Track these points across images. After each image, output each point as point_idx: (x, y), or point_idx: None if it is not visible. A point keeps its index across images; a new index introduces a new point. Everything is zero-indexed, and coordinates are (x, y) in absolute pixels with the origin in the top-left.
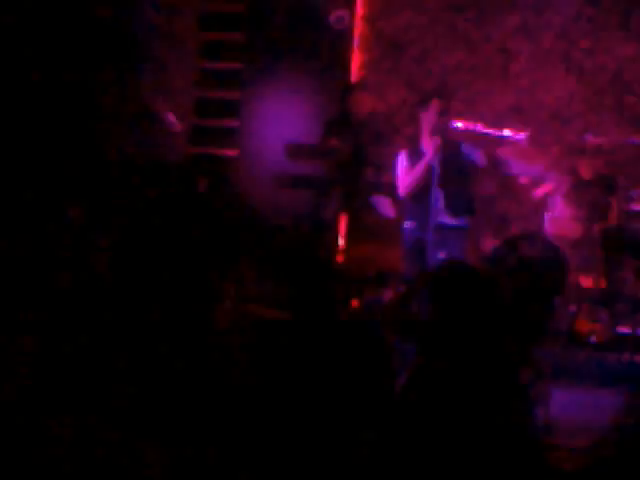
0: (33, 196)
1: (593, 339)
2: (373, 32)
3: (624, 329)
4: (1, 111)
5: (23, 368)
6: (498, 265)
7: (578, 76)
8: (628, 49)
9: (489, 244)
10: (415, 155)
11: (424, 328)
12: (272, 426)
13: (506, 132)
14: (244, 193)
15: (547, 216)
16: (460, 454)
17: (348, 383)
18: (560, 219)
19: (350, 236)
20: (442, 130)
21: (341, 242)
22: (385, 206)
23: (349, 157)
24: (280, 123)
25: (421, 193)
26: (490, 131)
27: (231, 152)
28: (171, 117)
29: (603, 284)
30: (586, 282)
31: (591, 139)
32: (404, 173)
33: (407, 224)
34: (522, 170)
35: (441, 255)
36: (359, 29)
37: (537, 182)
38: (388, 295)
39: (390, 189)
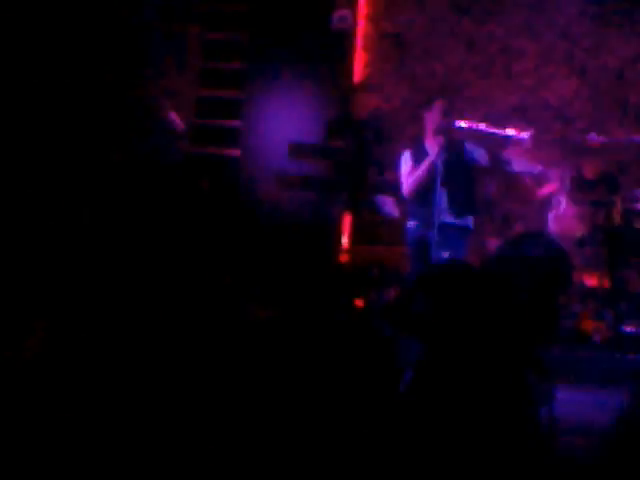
0: (37, 196)
1: (597, 338)
2: (376, 32)
3: (628, 328)
4: (6, 112)
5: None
6: (502, 264)
7: (581, 75)
8: (631, 48)
9: (493, 243)
10: (419, 155)
11: (427, 327)
12: (277, 424)
13: (509, 131)
14: (246, 193)
15: (551, 215)
16: (464, 452)
17: (353, 382)
18: (564, 218)
19: (354, 236)
20: (445, 130)
21: (345, 242)
22: (389, 206)
23: (352, 157)
24: (282, 123)
25: (425, 193)
26: (493, 130)
27: (233, 152)
28: (173, 117)
29: (607, 283)
30: (590, 281)
31: (595, 138)
32: (407, 173)
33: (411, 223)
34: (526, 169)
35: (445, 254)
36: (362, 29)
37: (541, 181)
38: (391, 294)
39: (394, 189)
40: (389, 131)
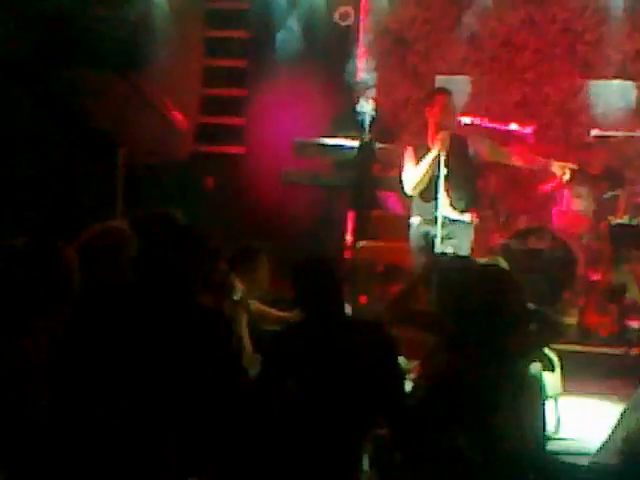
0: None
1: (601, 332)
2: (379, 28)
3: (632, 322)
4: (8, 110)
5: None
6: (506, 259)
7: (584, 70)
8: (633, 43)
9: (497, 239)
10: (421, 150)
11: (432, 321)
12: (279, 425)
13: (512, 126)
14: (251, 190)
15: (555, 210)
16: (470, 447)
17: (356, 380)
18: (568, 213)
19: (358, 232)
20: (449, 125)
21: (349, 238)
22: (392, 201)
23: (356, 153)
24: (286, 120)
25: (428, 188)
26: (496, 125)
27: (238, 150)
28: (177, 115)
29: (611, 277)
30: (595, 275)
31: (598, 132)
32: (410, 168)
33: (414, 219)
34: (529, 164)
35: (449, 250)
36: (364, 25)
37: (544, 176)
38: (396, 290)
39: (397, 185)
40: (392, 127)
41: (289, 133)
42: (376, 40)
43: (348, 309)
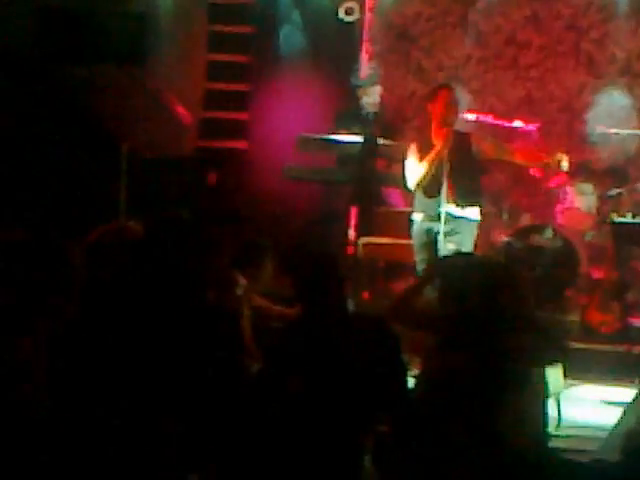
0: (42, 192)
1: (604, 330)
2: (383, 23)
3: (636, 320)
4: (10, 106)
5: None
6: (510, 257)
7: (588, 67)
8: (638, 40)
9: (500, 236)
10: (425, 146)
11: (436, 320)
12: (281, 421)
13: (517, 123)
14: (254, 186)
15: (558, 207)
16: (472, 445)
17: (357, 377)
18: (571, 210)
19: (360, 228)
20: (452, 122)
21: (352, 234)
22: (395, 198)
23: (359, 149)
24: (290, 115)
25: (431, 185)
26: (501, 122)
27: (241, 145)
28: (181, 110)
29: (615, 275)
30: (598, 273)
31: (602, 130)
32: (414, 164)
33: (417, 216)
34: (533, 162)
35: (451, 247)
36: (369, 20)
37: (548, 173)
38: (399, 287)
39: (400, 181)
40: (395, 123)
41: (292, 128)
42: (380, 36)
43: (350, 305)
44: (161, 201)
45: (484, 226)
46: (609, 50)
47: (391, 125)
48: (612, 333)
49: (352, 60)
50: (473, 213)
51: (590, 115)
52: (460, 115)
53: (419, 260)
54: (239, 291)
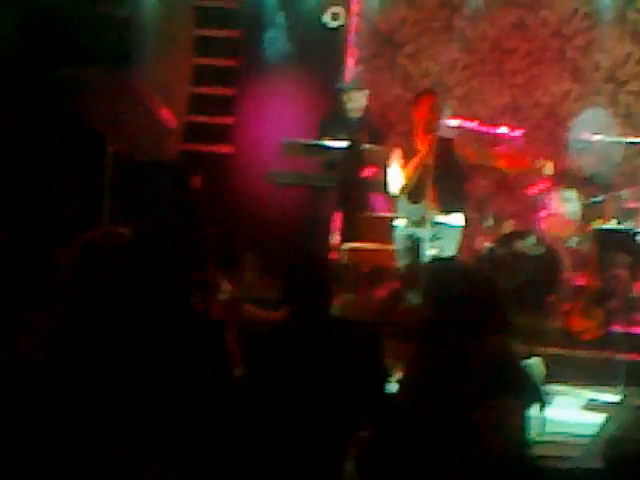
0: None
1: (587, 337)
2: (368, 29)
3: (618, 327)
4: None
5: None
6: (492, 263)
7: (573, 74)
8: (623, 47)
9: (483, 242)
10: (409, 152)
11: (417, 325)
12: (266, 424)
13: (501, 130)
14: (239, 190)
15: (542, 214)
16: (454, 450)
17: (340, 380)
18: (555, 217)
19: (344, 233)
20: (436, 127)
21: (336, 239)
22: (379, 203)
23: (344, 154)
24: (275, 120)
25: (415, 190)
26: (486, 128)
27: (226, 149)
28: (166, 113)
29: (597, 282)
30: (580, 280)
31: (586, 137)
32: (397, 170)
33: (401, 221)
34: (517, 168)
35: (435, 252)
36: (354, 26)
37: (532, 179)
38: (382, 292)
39: (384, 186)
40: (380, 129)
41: (277, 133)
42: (366, 41)
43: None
44: (146, 205)
45: (468, 232)
46: (594, 57)
47: (376, 130)
48: (594, 340)
49: (337, 65)
50: (456, 219)
51: (575, 122)
52: (445, 121)
53: (402, 265)
54: (224, 296)
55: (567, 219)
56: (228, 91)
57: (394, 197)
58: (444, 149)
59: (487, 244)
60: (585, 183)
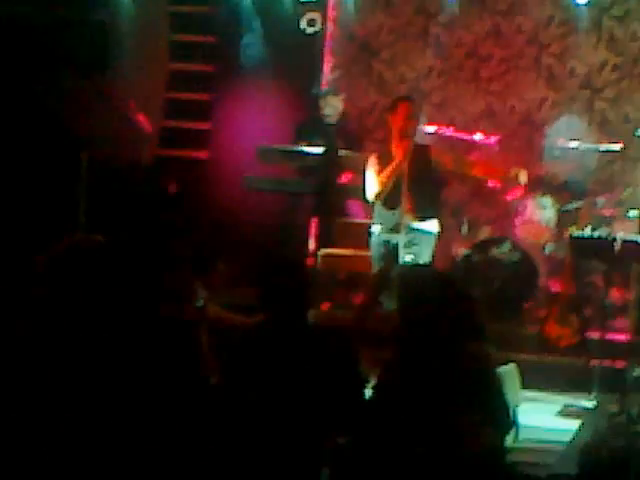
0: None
1: (562, 343)
2: (345, 35)
3: (593, 334)
4: None
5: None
6: (468, 269)
7: (549, 81)
8: (598, 55)
9: (459, 248)
10: (385, 158)
11: (392, 332)
12: (240, 430)
13: (477, 136)
14: (214, 196)
15: (517, 220)
16: (431, 455)
17: (315, 386)
18: (531, 223)
19: (321, 239)
20: (412, 134)
21: (312, 245)
22: (356, 209)
23: (320, 160)
24: (251, 126)
25: (391, 197)
26: (461, 135)
27: (202, 154)
28: (141, 118)
29: (573, 289)
30: (556, 286)
31: (562, 144)
32: (373, 176)
33: (376, 227)
34: (491, 176)
35: (410, 259)
36: (331, 32)
37: (507, 186)
38: (358, 298)
39: (360, 192)
40: (357, 135)
41: (253, 139)
42: (342, 47)
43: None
44: (121, 210)
45: (443, 238)
46: (569, 64)
47: (352, 136)
48: (570, 346)
49: (314, 71)
50: (432, 225)
51: (550, 129)
52: (420, 127)
53: (377, 272)
54: (199, 302)
55: (542, 226)
56: (204, 96)
57: (370, 203)
58: (420, 155)
59: (463, 250)
60: (560, 190)
